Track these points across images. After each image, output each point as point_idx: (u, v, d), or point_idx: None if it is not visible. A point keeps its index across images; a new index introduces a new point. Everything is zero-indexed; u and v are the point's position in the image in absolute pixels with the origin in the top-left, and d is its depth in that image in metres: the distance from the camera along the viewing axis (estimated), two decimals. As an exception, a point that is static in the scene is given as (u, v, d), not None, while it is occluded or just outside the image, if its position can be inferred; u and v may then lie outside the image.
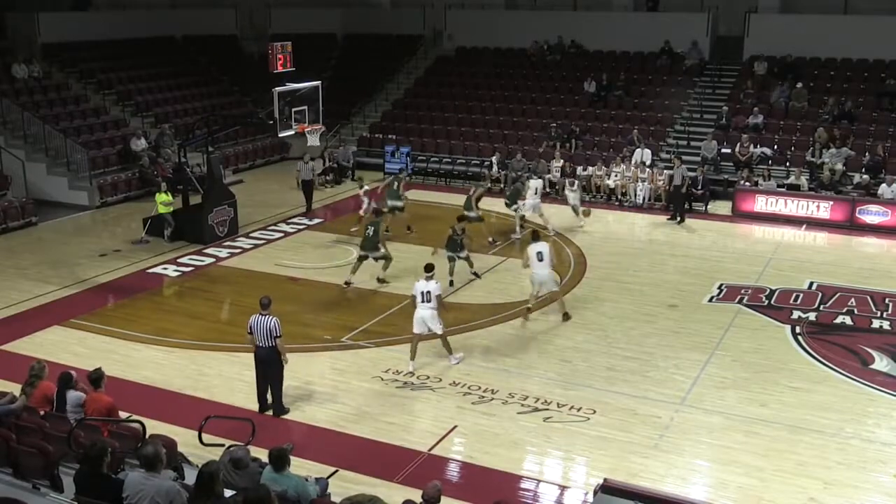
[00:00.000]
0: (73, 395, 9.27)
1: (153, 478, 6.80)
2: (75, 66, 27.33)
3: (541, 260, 14.53)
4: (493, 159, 24.93)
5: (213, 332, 14.36)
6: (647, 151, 23.91)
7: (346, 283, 16.54)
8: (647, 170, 23.18)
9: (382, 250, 16.46)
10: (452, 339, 13.94)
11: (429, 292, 12.55)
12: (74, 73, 27.25)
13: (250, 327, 11.23)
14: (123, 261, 18.22)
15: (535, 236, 15.18)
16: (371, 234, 16.35)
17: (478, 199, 19.57)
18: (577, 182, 22.03)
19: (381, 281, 16.58)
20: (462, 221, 17.21)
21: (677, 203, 21.60)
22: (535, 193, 20.29)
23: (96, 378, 9.36)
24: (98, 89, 27.22)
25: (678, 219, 21.38)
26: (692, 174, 22.15)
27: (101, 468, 7.03)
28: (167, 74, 29.37)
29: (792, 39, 26.63)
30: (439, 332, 12.82)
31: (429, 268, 12.92)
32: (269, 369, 11.34)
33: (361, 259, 16.52)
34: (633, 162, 23.60)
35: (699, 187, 22.14)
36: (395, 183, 20.28)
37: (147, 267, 17.86)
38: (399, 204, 19.96)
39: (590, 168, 23.79)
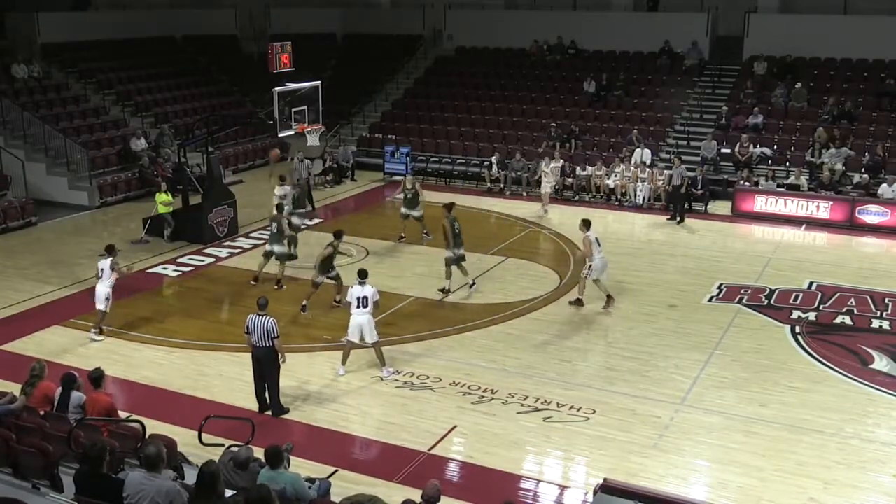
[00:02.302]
0: (73, 396, 9.27)
1: (154, 478, 6.80)
2: (75, 66, 27.31)
3: (600, 245, 15.07)
4: (493, 159, 24.91)
5: (213, 332, 14.35)
6: (647, 151, 23.89)
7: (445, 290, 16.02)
8: (647, 170, 23.16)
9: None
10: (454, 339, 13.97)
11: (365, 298, 12.37)
12: (74, 73, 27.23)
13: (247, 327, 11.26)
14: (123, 261, 18.05)
15: (587, 224, 15.24)
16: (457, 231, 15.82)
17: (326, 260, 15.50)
18: (549, 172, 22.90)
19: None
20: (339, 238, 15.11)
21: (677, 203, 21.59)
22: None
23: (96, 378, 9.38)
24: (98, 89, 27.20)
25: (678, 219, 21.37)
26: (692, 174, 22.14)
27: (101, 468, 7.03)
28: (167, 74, 29.36)
29: (792, 39, 26.65)
30: (370, 342, 12.55)
31: (362, 273, 12.73)
32: (266, 369, 11.37)
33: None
34: (632, 162, 23.58)
35: (699, 187, 22.13)
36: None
37: (147, 267, 17.84)
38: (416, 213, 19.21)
39: (589, 168, 23.79)
